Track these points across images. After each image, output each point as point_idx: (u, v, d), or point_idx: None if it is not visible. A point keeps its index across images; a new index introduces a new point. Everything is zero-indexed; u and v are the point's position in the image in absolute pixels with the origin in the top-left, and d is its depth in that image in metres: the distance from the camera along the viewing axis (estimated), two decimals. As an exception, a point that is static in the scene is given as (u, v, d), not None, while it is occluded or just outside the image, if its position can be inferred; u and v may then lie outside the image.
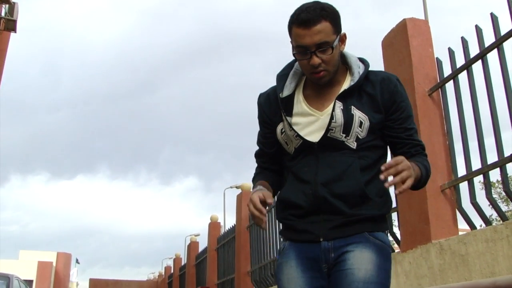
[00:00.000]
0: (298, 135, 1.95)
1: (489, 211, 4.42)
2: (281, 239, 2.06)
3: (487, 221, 3.88)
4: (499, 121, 3.78)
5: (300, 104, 2.02)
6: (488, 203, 3.91)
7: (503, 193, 3.79)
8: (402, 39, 4.60)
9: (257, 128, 2.20)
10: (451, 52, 4.29)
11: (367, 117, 1.92)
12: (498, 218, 3.76)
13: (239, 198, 10.76)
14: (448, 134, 4.32)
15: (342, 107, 1.91)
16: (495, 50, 3.81)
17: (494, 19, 3.82)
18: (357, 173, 1.89)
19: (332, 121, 1.90)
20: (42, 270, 35.29)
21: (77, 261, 45.33)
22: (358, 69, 1.98)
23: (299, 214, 1.94)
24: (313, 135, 1.95)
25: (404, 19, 4.59)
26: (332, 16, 1.89)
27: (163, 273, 25.94)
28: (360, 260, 1.81)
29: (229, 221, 24.80)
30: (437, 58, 4.53)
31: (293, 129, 1.96)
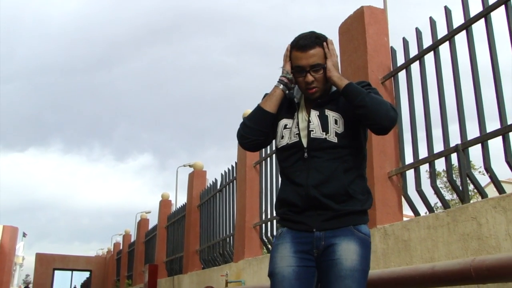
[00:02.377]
0: (298, 134, 2.35)
1: (434, 200, 4.55)
2: (278, 226, 2.48)
3: (430, 208, 4.00)
4: (447, 112, 3.89)
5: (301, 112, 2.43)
6: (433, 191, 4.03)
7: (448, 183, 3.93)
8: (359, 26, 4.65)
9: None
10: (405, 42, 4.36)
11: (340, 115, 2.32)
12: (443, 207, 3.88)
13: (191, 176, 10.73)
14: (398, 122, 4.41)
15: (318, 114, 2.34)
16: (447, 43, 3.90)
17: (447, 12, 3.90)
18: (341, 176, 2.27)
19: (310, 124, 2.32)
20: (-14, 242, 34.44)
21: (23, 235, 44.50)
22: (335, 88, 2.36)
23: (296, 211, 2.31)
24: (303, 139, 2.33)
25: (362, 7, 4.64)
26: (324, 44, 2.34)
27: (112, 250, 25.73)
28: (347, 252, 2.19)
29: (181, 199, 24.74)
30: (391, 47, 4.60)
31: (297, 126, 2.36)
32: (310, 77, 2.31)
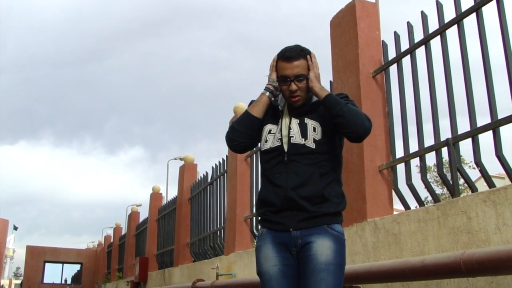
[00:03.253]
0: (280, 139, 2.54)
1: (424, 194, 4.55)
2: (259, 227, 2.63)
3: (420, 202, 4.02)
4: (438, 107, 3.89)
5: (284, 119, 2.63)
6: (423, 185, 4.04)
7: (439, 177, 3.94)
8: (350, 20, 4.64)
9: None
10: (396, 36, 4.36)
11: (318, 123, 2.51)
12: (433, 201, 3.89)
13: (182, 169, 10.72)
14: (389, 116, 4.42)
15: (298, 122, 2.54)
16: (438, 37, 3.90)
17: (439, 6, 3.90)
18: (317, 180, 2.44)
19: (291, 130, 2.53)
20: (-24, 235, 34.27)
21: (14, 228, 44.26)
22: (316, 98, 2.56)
23: (274, 210, 2.49)
24: (285, 144, 2.52)
25: (353, 1, 4.63)
26: (308, 56, 2.54)
27: (103, 242, 25.67)
28: (322, 248, 2.36)
29: (172, 192, 24.69)
30: (383, 41, 4.60)
31: (280, 132, 2.56)
32: (294, 86, 2.50)
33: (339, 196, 2.52)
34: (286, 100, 2.60)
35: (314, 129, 2.51)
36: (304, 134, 2.51)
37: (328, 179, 2.49)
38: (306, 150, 2.49)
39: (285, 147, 2.52)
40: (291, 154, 2.50)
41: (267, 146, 2.57)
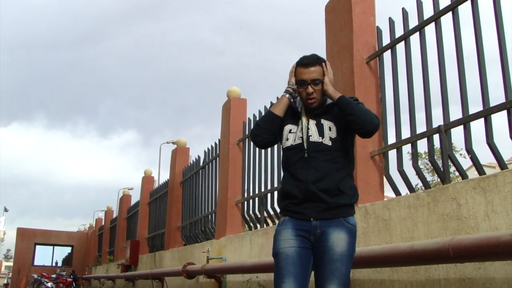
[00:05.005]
0: (301, 137, 2.82)
1: (415, 181, 4.60)
2: (280, 215, 2.90)
3: (411, 188, 4.03)
4: (431, 93, 3.90)
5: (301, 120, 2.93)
6: (415, 172, 4.05)
7: (430, 164, 3.96)
8: (345, 5, 4.62)
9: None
10: (391, 22, 4.35)
11: (333, 123, 2.80)
12: (424, 188, 3.91)
13: (174, 153, 10.70)
14: (382, 102, 4.42)
15: (315, 122, 2.83)
16: (433, 24, 3.89)
17: (434, -8, 3.89)
18: (334, 174, 2.74)
19: (309, 130, 2.82)
20: (-33, 216, 34.17)
21: (5, 210, 44.19)
22: (330, 101, 2.85)
23: (296, 202, 2.77)
24: (304, 142, 2.81)
25: (349, -15, 4.60)
26: (323, 64, 2.86)
27: (94, 225, 25.67)
28: (338, 240, 2.65)
29: (164, 176, 24.68)
30: (377, 27, 4.59)
31: (301, 131, 2.84)
32: (310, 89, 2.81)
33: (353, 189, 2.81)
34: (303, 102, 2.90)
35: (330, 129, 2.80)
36: (321, 133, 2.80)
37: (343, 173, 2.78)
38: (324, 147, 2.77)
39: (305, 145, 2.80)
40: (311, 151, 2.78)
41: (289, 143, 2.86)
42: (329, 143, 2.78)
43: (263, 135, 2.92)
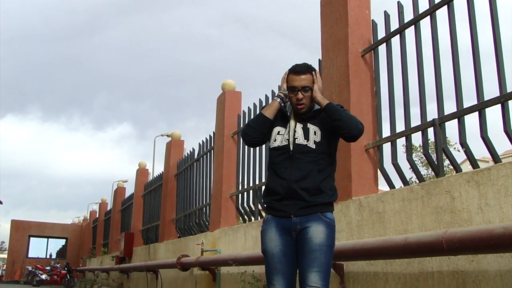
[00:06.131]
0: (288, 139, 3.02)
1: (409, 174, 4.61)
2: (264, 213, 3.13)
3: (406, 182, 4.05)
4: (426, 87, 3.90)
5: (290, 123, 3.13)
6: (409, 166, 4.07)
7: (424, 158, 3.98)
8: (341, -2, 4.62)
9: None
10: (386, 16, 4.35)
11: (318, 128, 3.01)
12: (418, 182, 3.92)
13: (169, 146, 10.69)
14: (377, 95, 4.43)
15: (302, 126, 3.03)
16: (428, 18, 3.90)
17: (430, -14, 3.89)
18: (316, 175, 2.94)
19: (296, 133, 3.02)
20: (-40, 208, 34.16)
21: (-1, 202, 44.05)
22: (318, 107, 3.06)
23: (278, 199, 2.98)
24: (290, 144, 3.01)
25: (344, -22, 4.59)
26: (313, 72, 3.06)
27: (88, 218, 25.65)
28: (316, 232, 2.85)
29: (158, 169, 24.67)
30: (372, 20, 4.59)
31: (288, 134, 3.04)
32: (300, 95, 3.02)
33: (332, 189, 3.01)
34: (293, 107, 3.09)
35: (315, 133, 3.00)
36: (306, 136, 3.00)
37: (324, 174, 2.98)
38: (308, 150, 2.97)
39: (291, 146, 2.99)
40: (296, 152, 2.98)
41: (276, 144, 3.06)
42: (313, 146, 2.99)
43: (253, 134, 3.12)
